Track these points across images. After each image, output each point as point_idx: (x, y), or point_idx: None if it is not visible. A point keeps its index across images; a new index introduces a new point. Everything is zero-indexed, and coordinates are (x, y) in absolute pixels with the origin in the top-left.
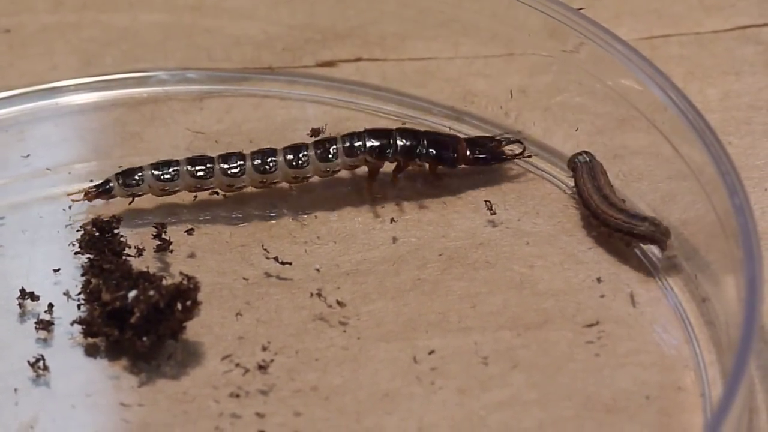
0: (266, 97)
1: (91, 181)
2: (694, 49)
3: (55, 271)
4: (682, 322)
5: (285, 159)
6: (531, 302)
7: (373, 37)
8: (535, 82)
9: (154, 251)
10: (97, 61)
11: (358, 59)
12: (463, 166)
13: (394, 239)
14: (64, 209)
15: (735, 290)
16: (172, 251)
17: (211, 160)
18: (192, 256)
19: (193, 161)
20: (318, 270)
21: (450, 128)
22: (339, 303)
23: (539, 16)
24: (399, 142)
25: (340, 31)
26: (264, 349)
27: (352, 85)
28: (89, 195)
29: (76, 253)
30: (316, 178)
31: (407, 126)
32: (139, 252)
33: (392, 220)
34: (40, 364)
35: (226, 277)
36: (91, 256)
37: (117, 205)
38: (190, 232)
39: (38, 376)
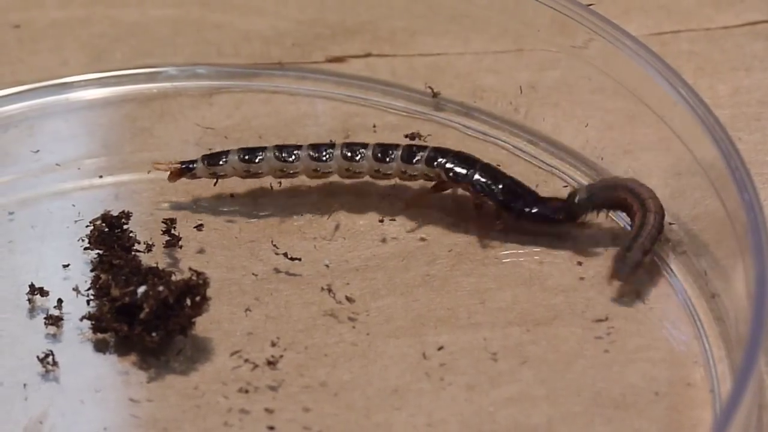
0: (276, 93)
1: (101, 176)
2: (704, 45)
3: (65, 266)
4: (692, 318)
5: (373, 153)
6: (540, 298)
7: (382, 32)
8: (545, 78)
9: (164, 247)
10: (107, 57)
11: (368, 55)
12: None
13: (404, 235)
14: (73, 204)
15: (744, 286)
16: (181, 247)
17: (299, 147)
18: (201, 251)
19: (280, 148)
20: (327, 266)
21: (459, 124)
22: (348, 299)
23: (549, 12)
24: (477, 176)
25: (350, 26)
26: (273, 344)
27: (361, 80)
28: (173, 174)
29: (85, 249)
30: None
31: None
32: (149, 247)
33: (399, 216)
34: (50, 359)
35: (236, 272)
36: (101, 252)
37: (126, 200)
38: (199, 227)
39: (47, 371)
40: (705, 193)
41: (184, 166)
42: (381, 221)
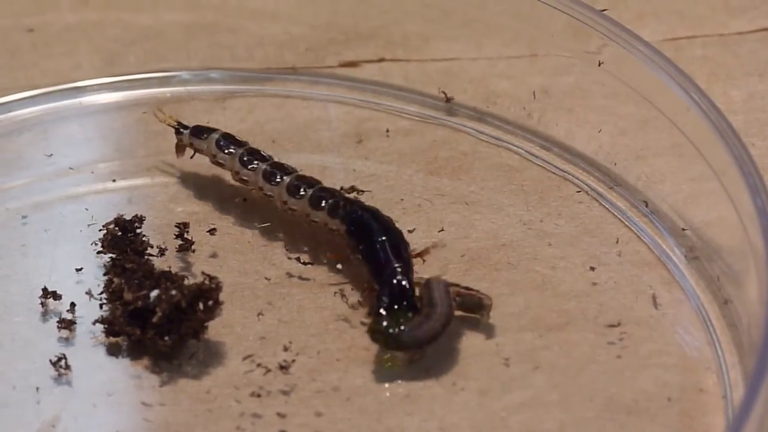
0: (289, 98)
1: (114, 180)
2: (718, 51)
3: (78, 270)
4: (704, 323)
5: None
6: (553, 303)
7: (396, 37)
8: (558, 83)
9: (177, 251)
10: (121, 61)
11: (381, 60)
12: None
13: (417, 240)
14: (86, 208)
15: (757, 292)
16: (194, 251)
17: (263, 159)
18: (214, 255)
19: (250, 151)
20: (340, 270)
21: (473, 129)
22: (361, 303)
23: (562, 17)
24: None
25: (363, 31)
26: (285, 349)
27: (374, 85)
28: (178, 148)
29: (98, 253)
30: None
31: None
32: (162, 251)
33: (414, 220)
34: (62, 363)
35: (248, 277)
36: (114, 256)
37: (139, 204)
38: (212, 232)
39: (60, 375)
40: (718, 198)
41: (179, 125)
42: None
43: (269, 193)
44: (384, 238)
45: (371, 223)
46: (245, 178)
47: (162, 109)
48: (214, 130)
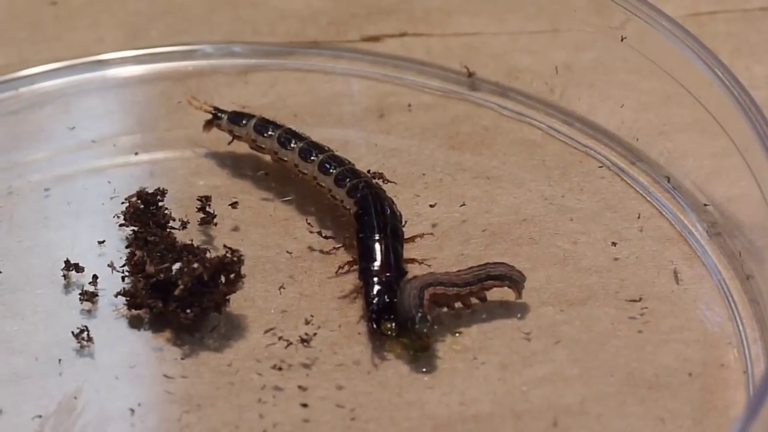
0: (311, 72)
1: (136, 153)
2: (741, 26)
3: (100, 242)
4: (726, 299)
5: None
6: (574, 278)
7: (418, 12)
8: (581, 58)
9: (198, 224)
10: (143, 34)
11: (403, 34)
12: None
13: (438, 214)
14: (109, 181)
15: None
16: (216, 224)
17: (301, 139)
18: (236, 229)
19: (288, 132)
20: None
21: (495, 104)
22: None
23: None
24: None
25: (385, 5)
26: (307, 322)
27: (396, 60)
28: (206, 123)
29: (120, 225)
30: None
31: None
32: (184, 225)
33: (435, 194)
34: (84, 335)
35: (270, 250)
36: (136, 228)
37: (161, 177)
38: (234, 205)
39: (82, 347)
40: (740, 174)
41: (215, 112)
42: (415, 201)
43: (304, 171)
44: (379, 237)
45: (372, 216)
46: (284, 158)
47: (196, 97)
48: (252, 116)
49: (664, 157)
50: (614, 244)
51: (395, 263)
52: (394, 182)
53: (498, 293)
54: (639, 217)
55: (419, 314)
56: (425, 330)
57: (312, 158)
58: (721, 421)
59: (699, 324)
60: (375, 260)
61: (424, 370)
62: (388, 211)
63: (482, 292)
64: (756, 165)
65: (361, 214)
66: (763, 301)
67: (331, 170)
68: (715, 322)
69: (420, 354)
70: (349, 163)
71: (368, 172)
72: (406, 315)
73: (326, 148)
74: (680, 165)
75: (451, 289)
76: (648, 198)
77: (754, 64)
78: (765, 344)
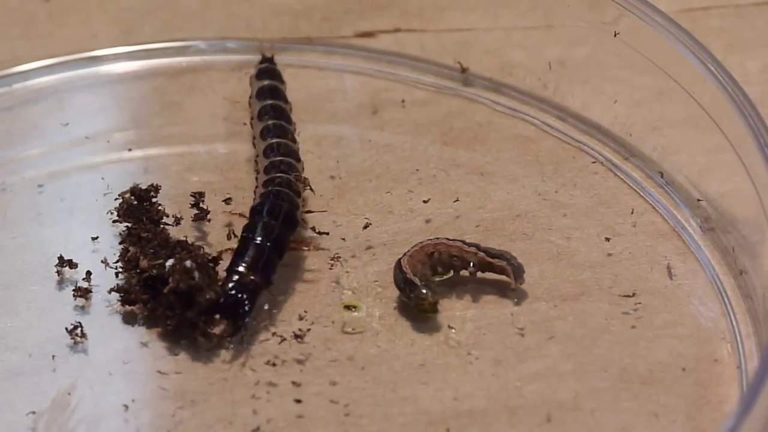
0: (304, 68)
1: (130, 150)
2: (735, 22)
3: (94, 239)
4: (719, 294)
5: None
6: (568, 274)
7: (411, 7)
8: (574, 54)
9: (192, 220)
10: (137, 30)
11: (397, 30)
12: None
13: (431, 210)
14: (102, 177)
15: None
16: (209, 220)
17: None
18: (229, 225)
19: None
20: (356, 239)
21: (488, 99)
22: (375, 273)
23: None
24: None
25: (379, 1)
26: (300, 318)
27: (390, 55)
28: None
29: (114, 222)
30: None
31: None
32: (177, 221)
33: (428, 191)
34: (78, 331)
35: None
36: (129, 225)
37: (155, 173)
38: (227, 201)
39: (76, 343)
40: (733, 169)
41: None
42: (408, 197)
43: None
44: (250, 236)
45: (255, 217)
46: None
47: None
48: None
49: (657, 153)
50: (608, 239)
51: (264, 272)
52: (312, 190)
53: (493, 288)
54: (632, 213)
55: (409, 286)
56: (423, 294)
57: (267, 138)
58: (715, 416)
59: (692, 319)
60: (245, 263)
61: (417, 365)
62: (281, 219)
63: (482, 263)
64: (749, 160)
65: (257, 210)
66: (756, 297)
67: (269, 155)
68: (709, 318)
69: (432, 314)
70: (295, 156)
71: (302, 176)
72: (402, 292)
73: (290, 136)
74: (673, 160)
75: (453, 243)
76: (641, 193)
77: (748, 59)
78: (758, 339)
